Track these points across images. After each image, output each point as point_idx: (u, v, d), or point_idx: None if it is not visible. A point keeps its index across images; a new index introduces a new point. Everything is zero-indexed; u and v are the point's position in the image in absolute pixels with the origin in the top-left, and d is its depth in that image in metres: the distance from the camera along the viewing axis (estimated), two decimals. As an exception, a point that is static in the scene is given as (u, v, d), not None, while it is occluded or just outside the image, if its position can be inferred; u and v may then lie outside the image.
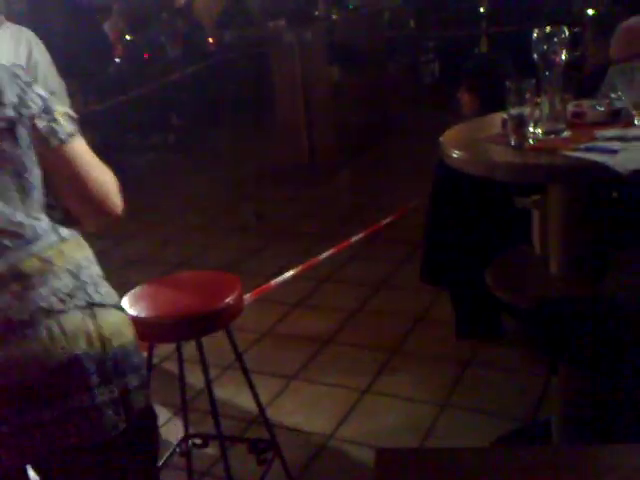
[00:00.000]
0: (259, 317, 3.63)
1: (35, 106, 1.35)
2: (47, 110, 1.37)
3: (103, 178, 1.44)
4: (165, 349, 2.82)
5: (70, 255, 1.37)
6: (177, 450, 2.46)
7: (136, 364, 1.41)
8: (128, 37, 8.51)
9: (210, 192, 5.98)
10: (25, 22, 3.06)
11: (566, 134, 2.01)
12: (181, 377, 2.36)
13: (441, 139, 2.18)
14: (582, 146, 1.90)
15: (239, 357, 2.23)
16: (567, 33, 1.98)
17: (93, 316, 1.34)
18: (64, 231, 1.39)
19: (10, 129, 1.31)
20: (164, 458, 2.37)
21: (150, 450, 1.52)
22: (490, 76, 3.05)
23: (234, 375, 2.79)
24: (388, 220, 4.61)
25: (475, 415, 2.78)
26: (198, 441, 2.54)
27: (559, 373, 2.28)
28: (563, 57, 1.96)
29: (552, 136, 2.00)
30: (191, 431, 2.55)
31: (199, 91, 7.81)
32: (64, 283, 1.33)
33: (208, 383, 2.14)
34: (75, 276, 1.35)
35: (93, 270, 1.41)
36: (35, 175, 1.36)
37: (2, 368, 1.28)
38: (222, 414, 2.23)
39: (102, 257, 1.46)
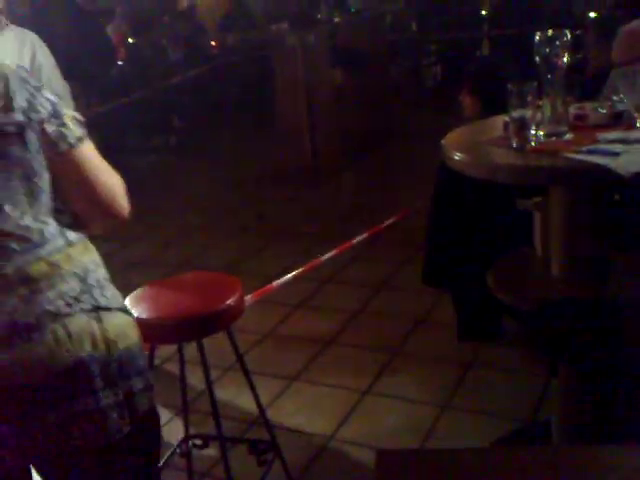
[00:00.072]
0: (260, 318, 3.64)
1: (44, 111, 1.35)
2: (56, 114, 1.37)
3: (111, 181, 1.45)
4: (166, 350, 2.83)
5: (77, 259, 1.37)
6: (177, 451, 2.46)
7: (141, 367, 1.41)
8: (131, 40, 8.54)
9: (211, 193, 5.99)
10: (28, 25, 3.05)
11: (568, 136, 2.01)
12: (182, 378, 2.37)
13: (443, 141, 2.19)
14: (584, 148, 1.90)
15: (240, 358, 2.23)
16: (569, 36, 1.98)
17: (99, 319, 1.34)
18: (72, 235, 1.39)
19: (19, 134, 1.31)
20: (165, 459, 2.37)
21: (152, 451, 1.52)
22: (492, 79, 3.06)
23: (235, 376, 2.79)
24: (390, 222, 4.60)
25: (476, 416, 2.78)
26: (198, 442, 2.54)
27: (559, 374, 2.28)
28: (565, 60, 1.97)
29: (554, 138, 2.00)
30: (192, 432, 2.55)
31: (201, 94, 7.83)
32: (71, 287, 1.33)
33: (209, 384, 2.14)
34: (82, 280, 1.35)
35: (100, 273, 1.41)
36: (44, 179, 1.36)
37: (7, 371, 1.28)
38: (223, 415, 2.23)
39: (105, 260, 1.46)
